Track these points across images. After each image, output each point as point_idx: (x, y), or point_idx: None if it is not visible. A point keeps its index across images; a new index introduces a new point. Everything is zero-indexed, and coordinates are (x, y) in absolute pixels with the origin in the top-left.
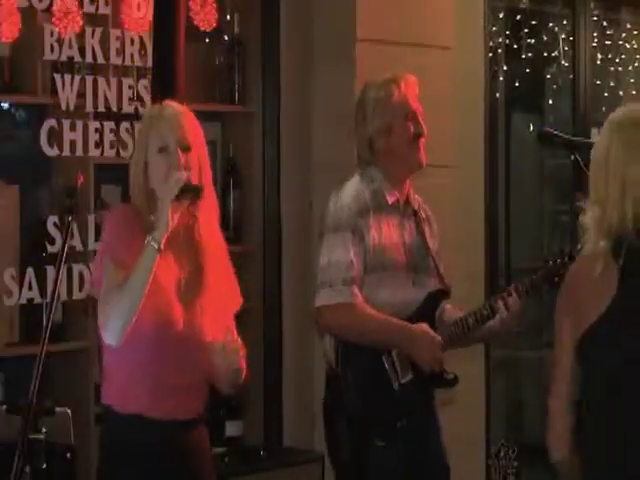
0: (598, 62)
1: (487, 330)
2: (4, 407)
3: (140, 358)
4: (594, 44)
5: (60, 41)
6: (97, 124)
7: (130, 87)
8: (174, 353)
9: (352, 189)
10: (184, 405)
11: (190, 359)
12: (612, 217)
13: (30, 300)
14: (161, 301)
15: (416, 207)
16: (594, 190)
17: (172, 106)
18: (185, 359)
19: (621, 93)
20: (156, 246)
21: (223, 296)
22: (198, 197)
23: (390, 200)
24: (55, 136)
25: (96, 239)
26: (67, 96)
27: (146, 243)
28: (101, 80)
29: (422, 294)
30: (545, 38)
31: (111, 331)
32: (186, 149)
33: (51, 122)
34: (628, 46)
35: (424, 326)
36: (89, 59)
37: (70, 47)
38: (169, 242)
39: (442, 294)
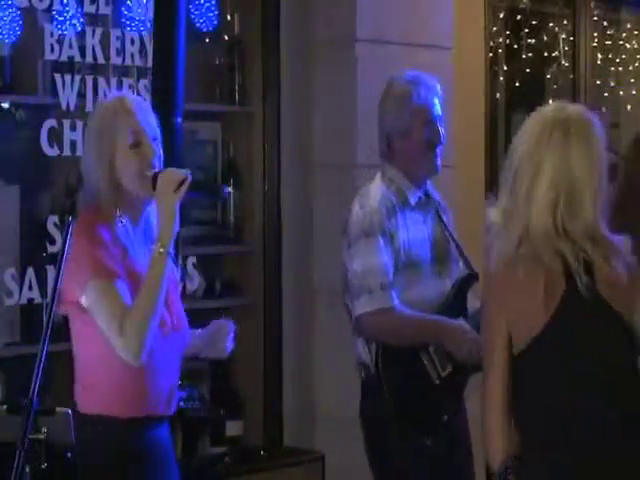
0: (598, 62)
1: None
2: (4, 407)
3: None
4: (594, 44)
5: (60, 41)
6: None
7: (130, 87)
8: (166, 350)
9: (377, 192)
10: (175, 400)
11: (176, 354)
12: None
13: (30, 300)
14: None
15: (437, 201)
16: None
17: (131, 98)
18: (173, 354)
19: (621, 93)
20: (164, 251)
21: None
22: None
23: (412, 200)
24: (55, 136)
25: None
26: (67, 96)
27: (154, 251)
28: (101, 80)
29: (449, 284)
30: (545, 38)
31: (136, 351)
32: (156, 139)
33: (51, 122)
34: (628, 46)
35: (457, 322)
36: (89, 59)
37: (70, 47)
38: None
39: (470, 278)
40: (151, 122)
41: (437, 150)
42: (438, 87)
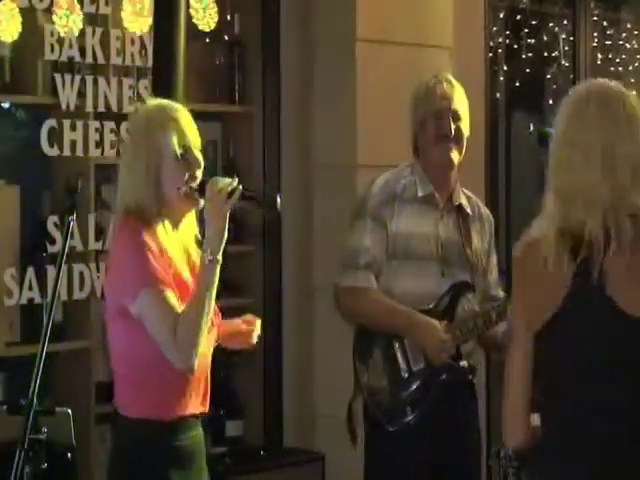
0: (598, 62)
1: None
2: (4, 407)
3: None
4: (594, 44)
5: (60, 41)
6: (97, 124)
7: (130, 87)
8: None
9: (384, 178)
10: (208, 395)
11: (211, 350)
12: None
13: (30, 300)
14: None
15: (457, 203)
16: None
17: (176, 106)
18: (209, 351)
19: None
20: (214, 259)
21: None
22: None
23: (420, 193)
24: (55, 136)
25: (96, 239)
26: (67, 96)
27: (204, 258)
28: (101, 80)
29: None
30: (545, 38)
31: (189, 358)
32: (198, 148)
33: (51, 122)
34: (628, 46)
35: (432, 321)
36: (89, 59)
37: (70, 47)
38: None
39: (466, 286)
40: (194, 131)
41: (449, 143)
42: (456, 83)
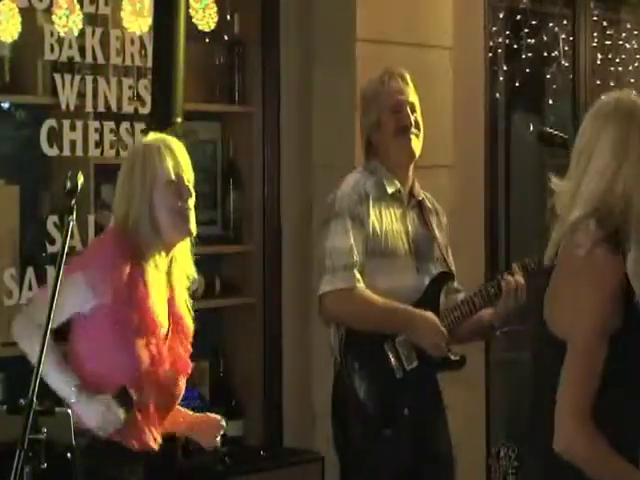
0: (598, 62)
1: (492, 313)
2: (4, 407)
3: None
4: (594, 44)
5: (60, 41)
6: (97, 124)
7: (130, 87)
8: (162, 389)
9: (352, 179)
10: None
11: (173, 391)
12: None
13: (30, 300)
14: (158, 341)
15: (420, 198)
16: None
17: (172, 140)
18: (169, 391)
19: None
20: (73, 400)
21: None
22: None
23: (390, 190)
24: (55, 136)
25: None
26: (67, 96)
27: (74, 390)
28: (101, 80)
29: (427, 281)
30: (545, 38)
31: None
32: (190, 182)
33: (51, 122)
34: (628, 46)
35: (427, 313)
36: (89, 59)
37: (70, 47)
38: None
39: (446, 277)
40: (188, 165)
41: (410, 135)
42: (407, 76)
